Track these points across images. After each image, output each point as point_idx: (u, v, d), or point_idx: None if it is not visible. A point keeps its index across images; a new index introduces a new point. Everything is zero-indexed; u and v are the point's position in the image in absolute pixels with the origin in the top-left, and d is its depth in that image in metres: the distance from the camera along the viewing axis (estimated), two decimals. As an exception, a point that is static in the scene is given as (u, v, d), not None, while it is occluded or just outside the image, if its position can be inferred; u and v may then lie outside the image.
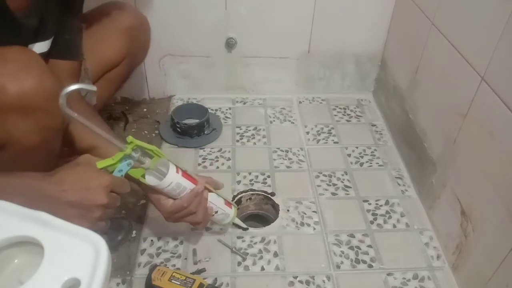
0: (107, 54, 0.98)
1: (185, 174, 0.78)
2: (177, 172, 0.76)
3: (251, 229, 1.00)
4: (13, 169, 0.67)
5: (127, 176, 0.70)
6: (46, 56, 0.80)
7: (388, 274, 0.92)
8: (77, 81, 0.88)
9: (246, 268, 0.92)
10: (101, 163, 0.67)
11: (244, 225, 0.98)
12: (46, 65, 0.67)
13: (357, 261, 0.94)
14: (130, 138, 0.69)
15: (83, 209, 0.65)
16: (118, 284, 0.88)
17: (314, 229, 1.01)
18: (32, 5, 0.72)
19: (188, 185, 0.78)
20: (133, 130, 1.30)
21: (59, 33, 0.82)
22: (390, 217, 1.05)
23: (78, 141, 0.79)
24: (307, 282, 0.89)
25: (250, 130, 1.31)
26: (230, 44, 1.34)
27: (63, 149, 0.78)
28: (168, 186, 0.75)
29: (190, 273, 0.87)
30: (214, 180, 0.86)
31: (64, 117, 0.71)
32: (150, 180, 0.75)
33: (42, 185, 0.65)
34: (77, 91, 0.59)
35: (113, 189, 0.67)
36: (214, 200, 0.85)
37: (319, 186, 1.12)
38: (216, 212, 0.86)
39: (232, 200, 1.06)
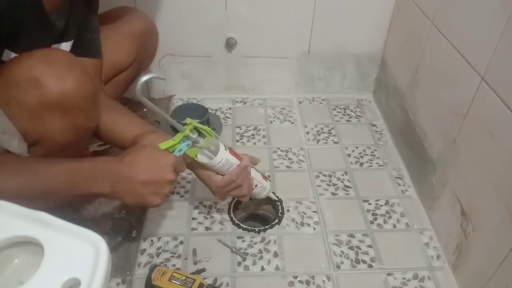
0: (116, 58, 0.99)
1: (232, 151, 0.83)
2: (226, 150, 0.81)
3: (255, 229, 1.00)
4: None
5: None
6: None
7: (388, 274, 0.92)
8: (101, 79, 0.91)
9: (246, 268, 0.92)
10: (163, 144, 0.73)
11: (276, 198, 1.03)
12: (85, 68, 0.72)
13: (357, 261, 0.94)
14: (188, 120, 0.75)
15: (155, 186, 0.71)
16: (118, 284, 0.88)
17: (314, 229, 1.01)
18: (62, 6, 0.74)
19: (235, 161, 0.83)
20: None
21: (81, 32, 0.83)
22: (390, 217, 1.05)
23: (122, 133, 0.83)
24: (307, 282, 0.89)
25: (250, 130, 1.31)
26: (230, 44, 1.34)
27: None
28: (219, 163, 0.80)
29: (190, 273, 0.87)
30: (252, 156, 0.90)
31: (97, 118, 0.77)
32: (202, 158, 0.80)
33: (117, 167, 0.70)
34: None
35: (175, 168, 0.73)
36: (255, 175, 0.90)
37: (319, 186, 1.12)
38: (256, 185, 0.90)
39: (232, 201, 1.06)
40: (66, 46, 0.80)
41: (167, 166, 0.71)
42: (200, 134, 0.78)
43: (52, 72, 0.66)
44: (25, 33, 0.68)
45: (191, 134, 0.75)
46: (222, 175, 0.84)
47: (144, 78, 0.65)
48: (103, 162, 0.71)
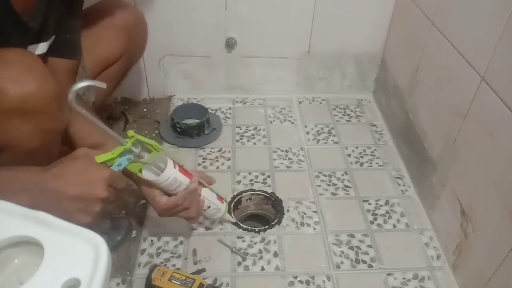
0: (104, 52, 0.99)
1: (182, 169, 0.78)
2: (174, 167, 0.76)
3: (252, 229, 1.00)
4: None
5: (123, 171, 0.70)
6: (45, 55, 0.80)
7: (388, 274, 0.92)
8: (75, 79, 0.89)
9: (246, 268, 0.92)
10: (100, 157, 0.67)
11: (233, 220, 0.99)
12: (47, 68, 0.67)
13: (357, 261, 0.94)
14: (130, 133, 0.68)
15: (83, 203, 0.65)
16: (118, 284, 0.88)
17: (314, 229, 1.01)
18: (36, 7, 0.72)
19: (184, 180, 0.78)
20: (133, 130, 1.30)
21: (60, 32, 0.82)
22: (390, 217, 1.05)
23: (80, 139, 0.79)
24: (307, 282, 0.89)
25: (250, 130, 1.31)
26: (230, 44, 1.34)
27: (61, 149, 0.78)
28: (166, 181, 0.75)
29: (190, 273, 0.87)
30: (207, 175, 0.87)
31: (64, 120, 0.71)
32: (147, 175, 0.75)
33: (41, 178, 0.64)
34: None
35: (111, 184, 0.67)
36: (207, 195, 0.86)
37: (319, 186, 1.12)
38: (209, 207, 0.87)
39: (232, 200, 1.06)
40: (43, 47, 0.78)
41: (99, 181, 0.66)
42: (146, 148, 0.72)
43: (9, 75, 0.61)
44: None
45: (133, 148, 0.68)
46: (169, 194, 0.79)
47: (79, 85, 0.59)
48: (24, 171, 0.65)
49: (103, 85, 0.62)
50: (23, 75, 0.62)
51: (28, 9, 0.70)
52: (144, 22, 1.08)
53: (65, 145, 0.79)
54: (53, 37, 0.80)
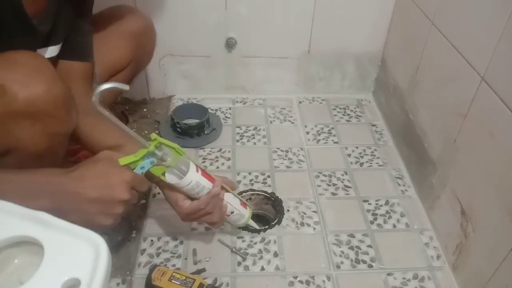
0: (113, 59, 0.98)
1: (204, 173, 0.77)
2: (197, 171, 0.75)
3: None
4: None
5: (146, 174, 0.70)
6: (57, 58, 0.80)
7: (388, 274, 0.92)
8: (90, 82, 0.89)
9: (246, 268, 0.92)
10: (123, 160, 0.66)
11: (257, 227, 0.97)
12: (55, 71, 0.67)
13: (357, 261, 0.94)
14: (153, 135, 0.68)
15: (104, 205, 0.65)
16: (118, 284, 0.88)
17: (314, 229, 1.01)
18: (47, 10, 0.72)
19: (207, 184, 0.77)
20: (133, 130, 1.30)
21: (71, 36, 0.82)
22: (390, 217, 1.05)
23: (100, 141, 0.79)
24: (307, 282, 0.89)
25: (250, 130, 1.31)
26: (230, 44, 1.34)
27: (68, 148, 0.78)
28: (188, 185, 0.74)
29: (190, 273, 0.87)
30: (230, 180, 0.86)
31: (71, 123, 0.71)
32: (170, 178, 0.74)
33: (63, 181, 0.64)
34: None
35: (134, 186, 0.67)
36: (231, 200, 0.84)
37: (319, 186, 1.12)
38: (232, 212, 0.85)
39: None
40: (53, 50, 0.78)
41: (121, 184, 0.65)
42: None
43: (16, 78, 0.61)
44: (6, 37, 0.65)
45: (156, 151, 0.68)
46: (192, 198, 0.78)
47: (103, 87, 0.59)
48: (43, 174, 0.65)
49: (126, 87, 0.62)
50: (31, 77, 0.62)
51: (38, 13, 0.70)
52: (153, 29, 1.07)
53: (83, 146, 0.79)
54: (63, 40, 0.80)
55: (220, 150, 1.23)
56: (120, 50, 0.99)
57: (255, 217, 1.10)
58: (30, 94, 0.61)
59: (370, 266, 0.93)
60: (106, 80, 0.99)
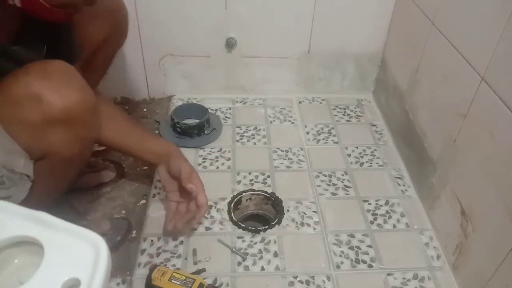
0: (91, 36, 0.97)
1: None
2: None
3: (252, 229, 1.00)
4: (49, 178, 0.73)
5: None
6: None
7: (388, 274, 0.92)
8: None
9: (246, 268, 0.92)
10: None
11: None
12: (84, 79, 0.70)
13: (357, 261, 0.94)
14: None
15: None
16: (118, 284, 0.88)
17: (314, 229, 1.01)
18: (18, 37, 0.72)
19: None
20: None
21: (54, 46, 0.79)
22: (390, 217, 1.05)
23: (126, 143, 0.91)
24: (307, 282, 0.89)
25: (250, 130, 1.31)
26: (230, 44, 1.34)
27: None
28: None
29: (190, 273, 0.87)
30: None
31: (98, 129, 0.78)
32: None
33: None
34: None
35: None
36: None
37: (319, 186, 1.12)
38: None
39: (232, 200, 1.06)
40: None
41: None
42: None
43: (53, 87, 0.65)
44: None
45: None
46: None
47: None
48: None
49: None
50: (66, 86, 0.67)
51: (10, 40, 0.70)
52: (125, 8, 1.05)
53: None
54: (45, 51, 0.79)
55: (220, 150, 1.23)
56: (96, 27, 0.97)
57: (255, 217, 1.11)
58: (66, 102, 0.66)
59: (370, 266, 0.93)
60: (88, 60, 0.98)
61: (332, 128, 1.33)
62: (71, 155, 0.72)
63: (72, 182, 0.87)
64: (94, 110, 0.71)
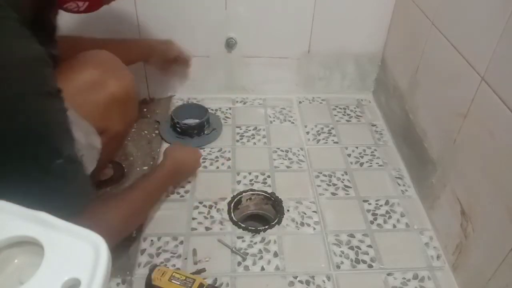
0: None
1: None
2: None
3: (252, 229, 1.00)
4: (103, 153, 0.81)
5: None
6: None
7: (388, 274, 0.92)
8: None
9: (246, 268, 0.92)
10: None
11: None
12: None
13: (357, 261, 0.94)
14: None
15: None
16: (118, 284, 0.88)
17: (314, 229, 1.01)
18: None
19: None
20: (133, 130, 1.30)
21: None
22: (390, 217, 1.05)
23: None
24: (307, 282, 0.89)
25: (250, 130, 1.31)
26: (230, 44, 1.34)
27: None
28: None
29: (190, 273, 0.87)
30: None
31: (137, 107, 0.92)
32: None
33: (170, 169, 0.95)
34: None
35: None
36: None
37: (319, 186, 1.12)
38: None
39: (232, 200, 1.06)
40: None
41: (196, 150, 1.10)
42: None
43: (111, 73, 0.78)
44: None
45: None
46: None
47: None
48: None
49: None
50: (120, 71, 0.81)
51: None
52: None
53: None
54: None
55: (220, 150, 1.23)
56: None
57: (255, 217, 1.11)
58: (126, 85, 0.80)
59: (370, 266, 0.93)
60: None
61: (332, 128, 1.33)
62: (122, 131, 0.86)
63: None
64: (137, 89, 0.85)
